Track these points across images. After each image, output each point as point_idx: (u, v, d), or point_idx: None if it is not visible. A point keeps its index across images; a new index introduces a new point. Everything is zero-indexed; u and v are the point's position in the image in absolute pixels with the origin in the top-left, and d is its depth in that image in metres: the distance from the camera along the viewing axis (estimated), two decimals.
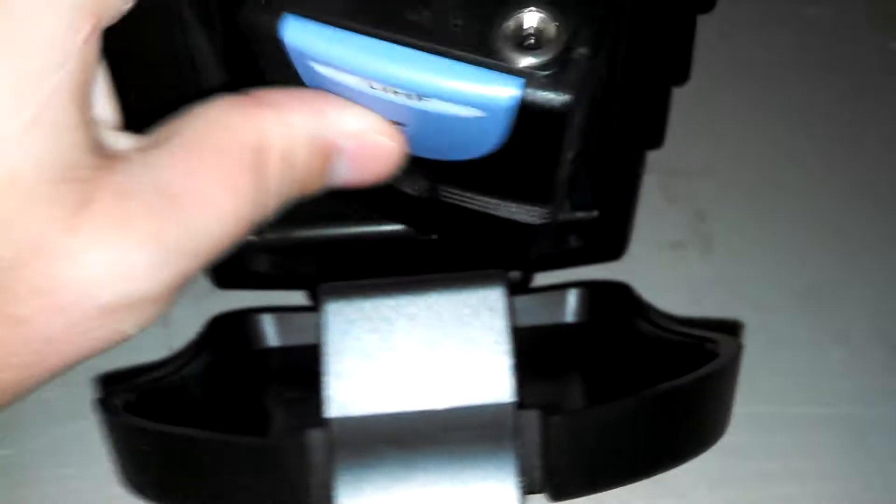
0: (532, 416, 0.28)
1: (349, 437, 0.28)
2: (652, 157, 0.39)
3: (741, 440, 0.40)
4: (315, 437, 0.28)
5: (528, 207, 0.30)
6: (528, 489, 0.28)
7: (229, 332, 0.42)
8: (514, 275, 0.40)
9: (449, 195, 0.31)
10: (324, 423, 0.29)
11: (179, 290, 0.23)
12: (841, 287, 0.47)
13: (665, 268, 0.47)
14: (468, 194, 0.31)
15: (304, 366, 0.41)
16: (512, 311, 0.30)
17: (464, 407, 0.29)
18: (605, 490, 0.29)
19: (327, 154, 0.25)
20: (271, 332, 0.43)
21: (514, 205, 0.30)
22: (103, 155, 0.22)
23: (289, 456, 0.28)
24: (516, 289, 0.38)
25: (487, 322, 0.30)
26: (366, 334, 0.30)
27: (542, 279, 0.43)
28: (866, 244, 0.48)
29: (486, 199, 0.30)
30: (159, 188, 0.22)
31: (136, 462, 0.31)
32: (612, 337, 0.41)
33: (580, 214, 0.40)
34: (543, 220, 0.30)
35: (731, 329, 0.45)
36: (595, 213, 0.39)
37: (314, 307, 0.42)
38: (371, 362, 0.30)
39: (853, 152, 0.52)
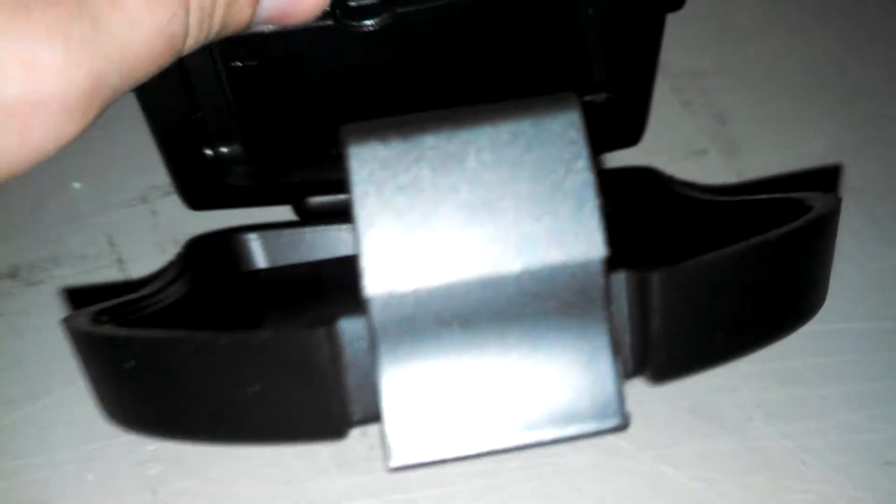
0: (627, 276, 0.22)
1: (395, 320, 0.22)
2: (661, 59, 0.36)
3: (793, 365, 0.36)
4: (351, 324, 0.22)
5: None
6: (625, 372, 0.22)
7: (211, 253, 0.36)
8: None
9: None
10: (360, 304, 0.22)
11: (98, 106, 0.22)
12: (885, 184, 0.42)
13: (689, 176, 0.42)
14: None
15: (301, 286, 0.36)
16: (591, 145, 0.23)
17: (538, 268, 0.22)
18: (713, 368, 0.24)
19: None
20: (259, 252, 0.37)
21: None
22: None
23: (318, 348, 0.21)
24: None
25: (563, 157, 0.22)
26: (407, 183, 0.22)
27: None
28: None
29: None
30: None
31: (121, 384, 0.24)
32: (675, 215, 0.36)
33: (590, 98, 0.37)
34: None
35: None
36: (605, 96, 0.37)
37: (303, 221, 0.37)
38: (416, 220, 0.22)
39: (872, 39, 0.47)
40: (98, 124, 0.43)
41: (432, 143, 0.22)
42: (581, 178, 0.22)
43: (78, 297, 0.39)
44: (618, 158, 0.41)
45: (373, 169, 0.22)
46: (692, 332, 0.23)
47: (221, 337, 0.22)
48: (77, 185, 0.42)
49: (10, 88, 0.20)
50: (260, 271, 0.37)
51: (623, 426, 0.22)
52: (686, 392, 0.36)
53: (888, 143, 0.44)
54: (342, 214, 0.37)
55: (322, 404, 0.22)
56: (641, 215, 0.37)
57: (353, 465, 0.34)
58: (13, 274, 0.39)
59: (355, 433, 0.35)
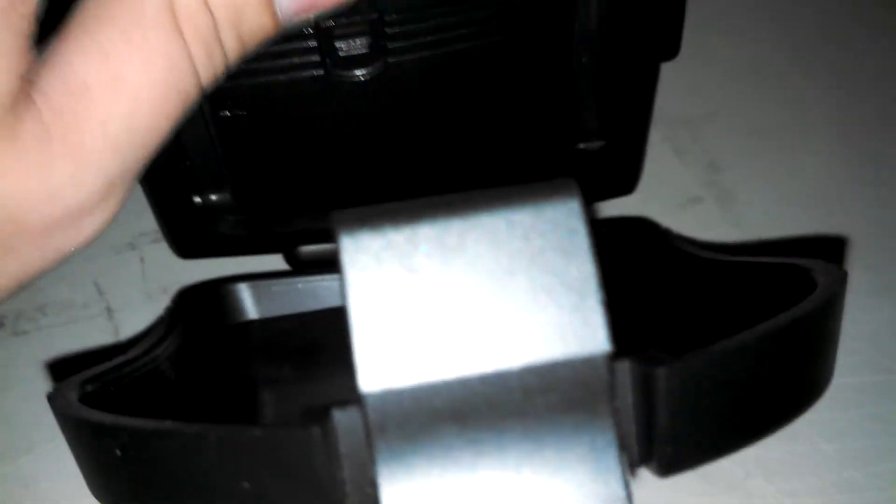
0: (632, 367, 0.21)
1: (391, 416, 0.21)
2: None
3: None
4: (346, 418, 0.21)
5: None
6: (631, 462, 0.22)
7: (201, 305, 0.36)
8: None
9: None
10: (355, 399, 0.21)
11: (125, 188, 0.22)
12: (877, 230, 0.42)
13: (685, 227, 0.41)
14: None
15: (293, 339, 0.36)
16: (592, 234, 0.22)
17: (540, 364, 0.21)
18: (721, 458, 0.23)
19: None
20: (249, 303, 0.36)
21: None
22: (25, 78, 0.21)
23: (313, 447, 0.21)
24: None
25: (564, 246, 0.21)
26: (401, 275, 0.21)
27: None
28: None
29: None
30: (69, 87, 0.21)
31: (109, 469, 0.23)
32: (673, 271, 0.35)
33: (584, 146, 0.37)
34: None
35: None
36: (599, 144, 0.37)
37: (294, 270, 0.37)
38: (411, 313, 0.21)
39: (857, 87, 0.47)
40: None
41: (427, 233, 0.21)
42: (584, 269, 0.21)
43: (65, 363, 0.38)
44: (611, 207, 0.41)
45: (366, 260, 0.21)
46: (699, 426, 0.22)
47: (212, 431, 0.21)
48: None
49: (32, 218, 0.21)
50: (251, 323, 0.37)
51: None
52: None
53: (880, 188, 0.44)
54: (334, 264, 0.36)
55: (318, 500, 0.21)
56: (637, 268, 0.37)
57: None
58: (1, 324, 0.39)
59: None
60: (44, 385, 0.37)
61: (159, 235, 0.41)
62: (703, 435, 0.22)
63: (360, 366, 0.21)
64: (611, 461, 0.21)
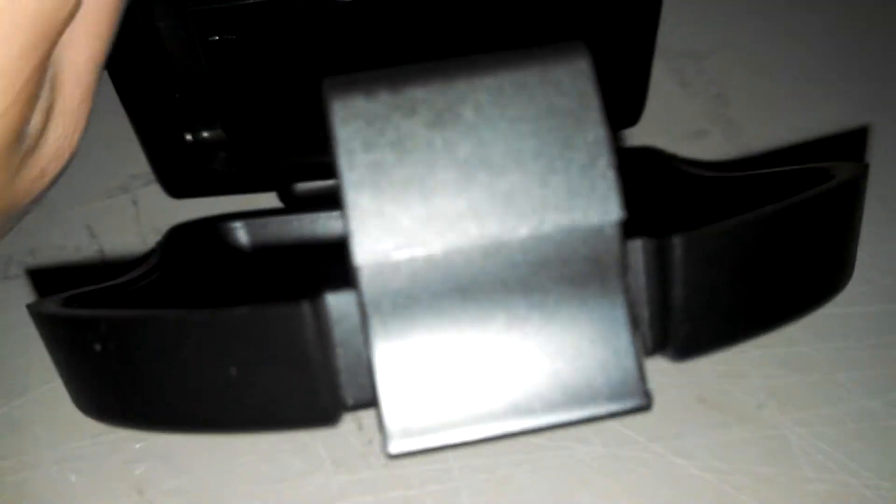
0: (645, 243, 0.20)
1: (388, 292, 0.19)
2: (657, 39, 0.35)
3: (804, 351, 0.35)
4: (339, 301, 0.19)
5: None
6: (644, 350, 0.20)
7: (192, 242, 0.34)
8: None
9: None
10: (349, 274, 0.20)
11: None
12: (888, 161, 0.41)
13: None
14: None
15: (288, 277, 0.35)
16: (601, 96, 0.20)
17: (547, 234, 0.20)
18: (739, 343, 0.22)
19: None
20: (243, 241, 0.35)
21: None
22: None
23: (304, 325, 0.19)
24: None
25: (573, 109, 0.20)
26: (397, 141, 0.20)
27: None
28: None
29: None
30: None
31: (89, 370, 0.22)
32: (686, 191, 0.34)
33: None
34: None
35: None
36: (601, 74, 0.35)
37: (289, 208, 0.36)
38: (409, 181, 0.20)
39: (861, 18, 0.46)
40: None
41: (425, 96, 0.20)
42: (593, 132, 0.20)
43: (51, 281, 0.37)
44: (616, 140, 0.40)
45: (359, 126, 0.20)
46: (717, 304, 0.21)
47: (195, 314, 0.20)
48: None
49: None
50: (244, 259, 0.36)
51: (646, 406, 0.20)
52: (695, 380, 0.34)
53: (892, 120, 0.42)
54: (329, 200, 0.35)
55: (310, 388, 0.20)
56: (646, 197, 0.36)
57: (350, 462, 0.33)
58: None
59: (351, 426, 0.33)
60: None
61: (151, 178, 0.40)
62: (721, 314, 0.21)
63: (354, 237, 0.19)
64: (623, 339, 0.20)
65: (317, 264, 0.35)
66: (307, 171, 0.36)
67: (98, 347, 0.21)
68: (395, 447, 0.20)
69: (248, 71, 0.32)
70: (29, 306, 0.24)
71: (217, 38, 0.31)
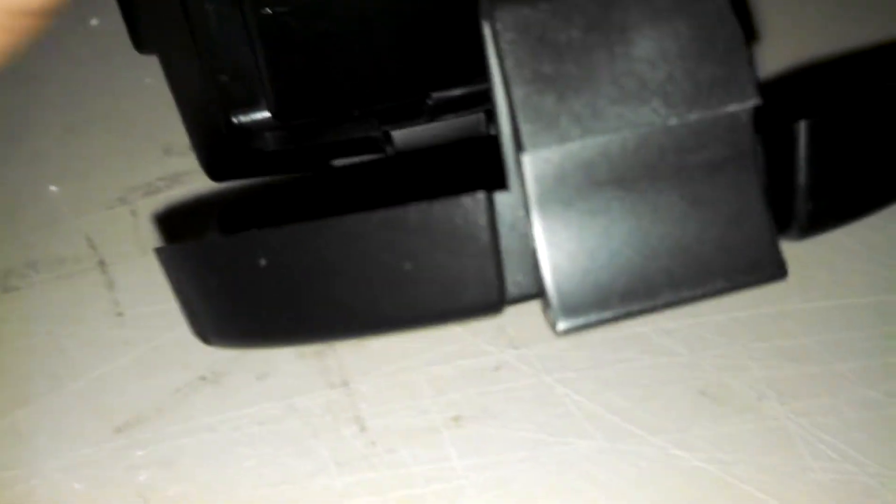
0: (772, 127, 0.22)
1: (549, 180, 0.22)
2: None
3: (803, 342, 0.35)
4: (503, 192, 0.22)
5: None
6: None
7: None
8: None
9: None
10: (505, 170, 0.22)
11: None
12: None
13: None
14: None
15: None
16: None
17: (693, 121, 0.22)
18: (858, 218, 0.24)
19: None
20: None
21: None
22: None
23: (479, 217, 0.22)
24: None
25: (709, 9, 0.22)
26: (555, 42, 0.22)
27: None
28: None
29: None
30: None
31: (251, 290, 0.24)
32: None
33: None
34: None
35: None
36: None
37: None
38: (568, 78, 0.22)
39: None
40: (73, 126, 0.41)
41: (578, 3, 0.22)
42: (729, 28, 0.22)
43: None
44: None
45: (520, 30, 0.22)
46: (838, 183, 0.23)
47: (374, 214, 0.22)
48: (54, 188, 0.41)
49: None
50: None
51: (783, 275, 0.22)
52: (695, 373, 0.34)
53: None
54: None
55: (482, 276, 0.22)
56: None
57: (353, 463, 0.33)
58: None
59: (353, 429, 0.33)
60: (39, 340, 0.36)
61: (150, 189, 0.40)
62: (840, 193, 0.23)
63: (522, 130, 0.21)
64: (759, 216, 0.22)
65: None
66: (351, 148, 0.36)
67: (263, 262, 0.23)
68: (563, 324, 0.22)
69: (298, 46, 0.33)
70: (161, 251, 0.26)
71: (269, 10, 0.31)
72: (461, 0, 0.32)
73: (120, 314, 0.37)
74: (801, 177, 0.23)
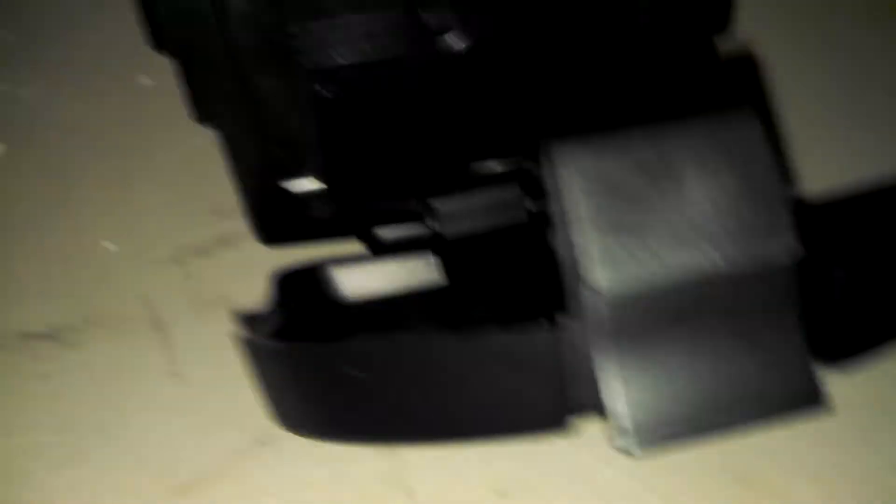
0: (811, 271, 0.25)
1: (614, 316, 0.24)
2: None
3: (834, 427, 0.36)
4: (569, 322, 0.25)
5: None
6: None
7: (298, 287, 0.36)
8: None
9: None
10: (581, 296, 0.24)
11: None
12: None
13: None
14: None
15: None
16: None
17: (741, 266, 0.25)
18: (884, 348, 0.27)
19: None
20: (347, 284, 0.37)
21: None
22: None
23: (546, 347, 0.24)
24: None
25: (753, 164, 0.25)
26: (618, 191, 0.25)
27: None
28: None
29: None
30: None
31: (340, 391, 0.26)
32: None
33: None
34: None
35: None
36: None
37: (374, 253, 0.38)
38: (629, 223, 0.25)
39: None
40: (129, 184, 0.43)
41: (639, 156, 0.25)
42: (769, 179, 0.25)
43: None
44: None
45: (589, 178, 0.24)
46: (867, 316, 0.26)
47: (454, 337, 0.24)
48: (111, 245, 0.42)
49: None
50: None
51: (827, 408, 0.25)
52: (729, 458, 0.36)
53: None
54: (416, 245, 0.38)
55: (545, 398, 0.25)
56: None
57: None
58: (53, 336, 0.39)
59: (402, 498, 0.34)
60: (96, 396, 0.37)
61: (202, 248, 0.42)
62: (869, 325, 0.26)
63: (597, 266, 0.24)
64: (800, 355, 0.25)
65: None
66: (399, 216, 0.38)
67: (353, 372, 0.25)
68: (639, 452, 0.25)
69: (352, 124, 0.35)
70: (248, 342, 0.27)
71: (326, 94, 0.33)
72: (495, 78, 0.34)
73: (175, 374, 0.38)
74: (835, 313, 0.25)
